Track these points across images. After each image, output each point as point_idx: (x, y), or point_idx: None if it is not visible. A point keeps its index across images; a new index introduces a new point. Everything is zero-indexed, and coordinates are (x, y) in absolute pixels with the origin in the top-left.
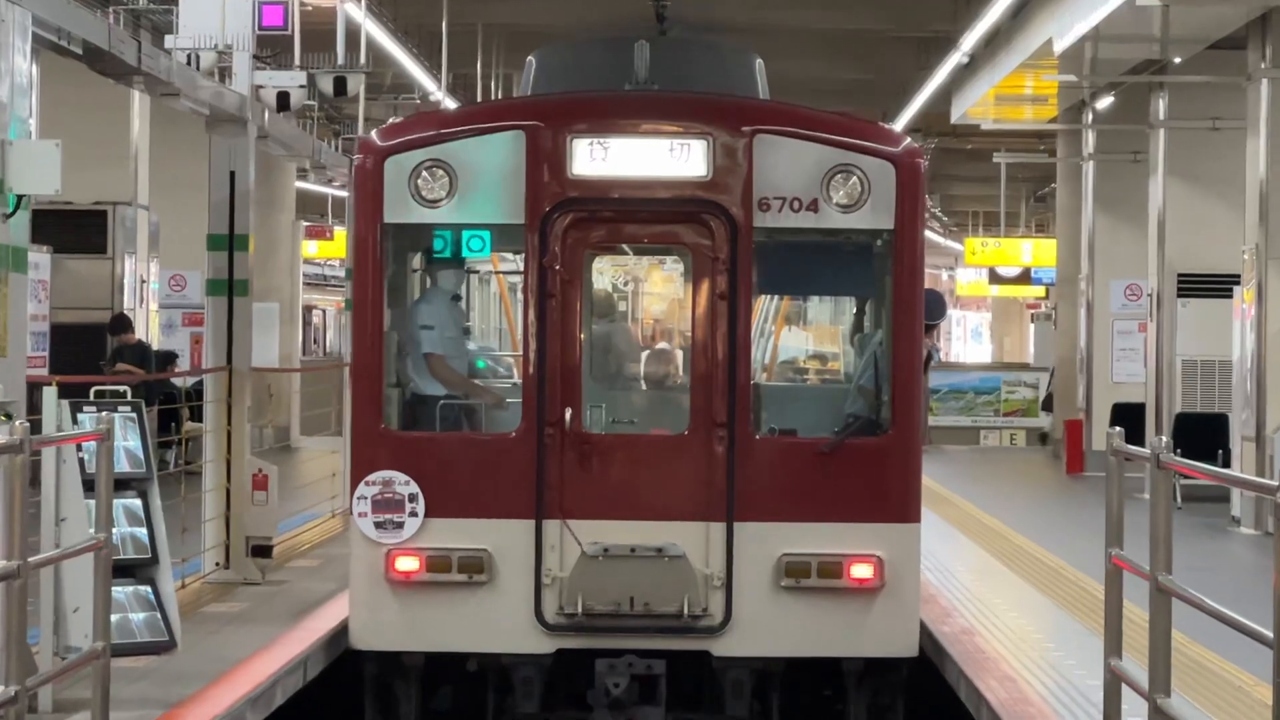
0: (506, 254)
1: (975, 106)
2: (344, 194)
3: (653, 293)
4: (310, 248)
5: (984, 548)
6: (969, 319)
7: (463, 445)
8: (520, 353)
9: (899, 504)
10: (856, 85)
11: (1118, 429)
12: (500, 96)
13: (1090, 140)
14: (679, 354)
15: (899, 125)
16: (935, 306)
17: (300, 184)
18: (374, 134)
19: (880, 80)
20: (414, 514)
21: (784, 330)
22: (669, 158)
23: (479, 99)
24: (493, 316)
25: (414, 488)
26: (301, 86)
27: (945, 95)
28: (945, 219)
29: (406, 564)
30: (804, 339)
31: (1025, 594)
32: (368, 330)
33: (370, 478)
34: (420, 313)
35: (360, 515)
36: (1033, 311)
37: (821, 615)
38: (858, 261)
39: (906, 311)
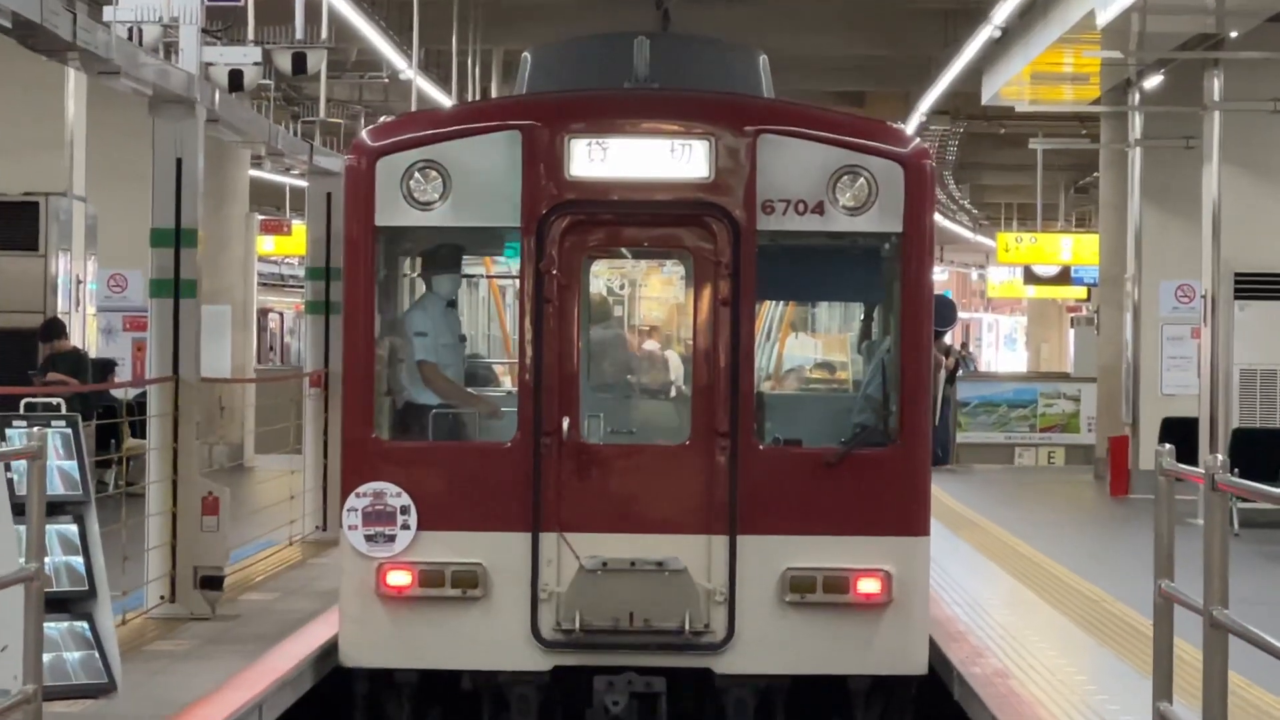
0: (501, 258)
1: (1008, 86)
2: (304, 184)
3: (652, 297)
4: (266, 244)
5: (1018, 578)
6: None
7: (457, 455)
8: (516, 360)
9: (907, 517)
10: (875, 62)
11: (1168, 446)
12: (478, 74)
13: (1137, 124)
14: (680, 361)
15: (923, 107)
16: (945, 313)
17: (255, 173)
18: (364, 134)
19: (901, 56)
20: (406, 527)
21: (788, 337)
22: (670, 159)
23: (454, 77)
24: (481, 322)
25: (406, 499)
26: (256, 64)
27: (975, 73)
28: (974, 212)
29: (398, 578)
30: (809, 346)
31: (1064, 630)
32: (359, 336)
33: (361, 489)
34: (413, 319)
35: (350, 528)
36: (1073, 315)
37: (827, 632)
38: (865, 266)
39: (915, 318)
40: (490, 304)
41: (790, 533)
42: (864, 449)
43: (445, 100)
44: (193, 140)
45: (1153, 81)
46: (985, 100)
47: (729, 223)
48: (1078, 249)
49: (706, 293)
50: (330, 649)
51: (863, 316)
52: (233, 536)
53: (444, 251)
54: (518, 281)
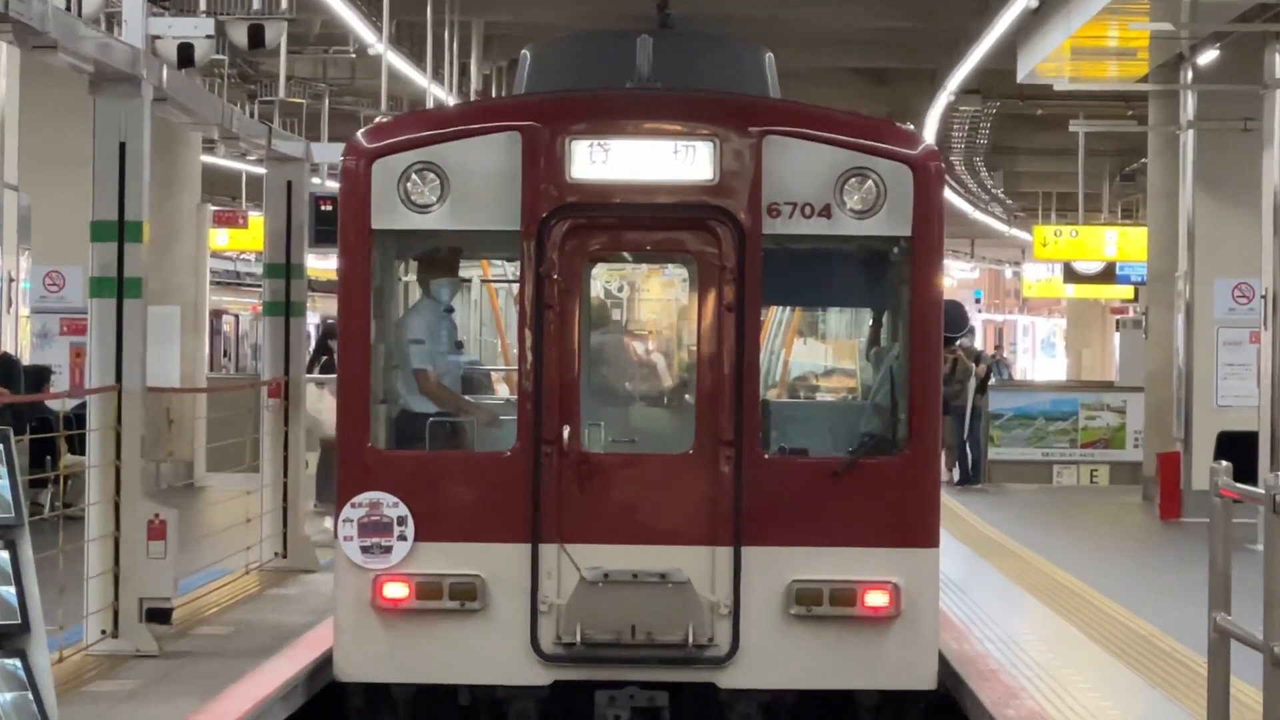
0: (500, 262)
1: (1047, 62)
2: (261, 171)
3: (655, 300)
4: (220, 238)
5: (1057, 611)
6: (1038, 326)
7: (455, 465)
8: (515, 367)
9: (916, 528)
10: (898, 35)
11: (1224, 463)
12: (455, 48)
13: (1190, 104)
14: (683, 368)
15: (951, 85)
16: (956, 318)
17: (207, 158)
18: (360, 135)
19: (929, 30)
20: (403, 538)
21: (795, 344)
22: (673, 160)
23: (429, 53)
24: (478, 328)
25: (403, 510)
26: (209, 37)
27: (1009, 48)
28: (1008, 202)
29: (395, 591)
30: (816, 353)
31: (1108, 668)
32: (355, 343)
33: (357, 499)
34: (410, 326)
35: (346, 539)
36: (1118, 317)
37: (834, 645)
38: (873, 271)
39: (925, 324)
40: (488, 309)
41: (796, 544)
42: (872, 458)
43: (419, 78)
44: (138, 122)
45: (1207, 57)
46: (1021, 78)
47: (734, 226)
48: (1123, 243)
49: (711, 298)
50: (323, 665)
51: (871, 322)
52: (182, 564)
53: (441, 256)
54: (517, 286)
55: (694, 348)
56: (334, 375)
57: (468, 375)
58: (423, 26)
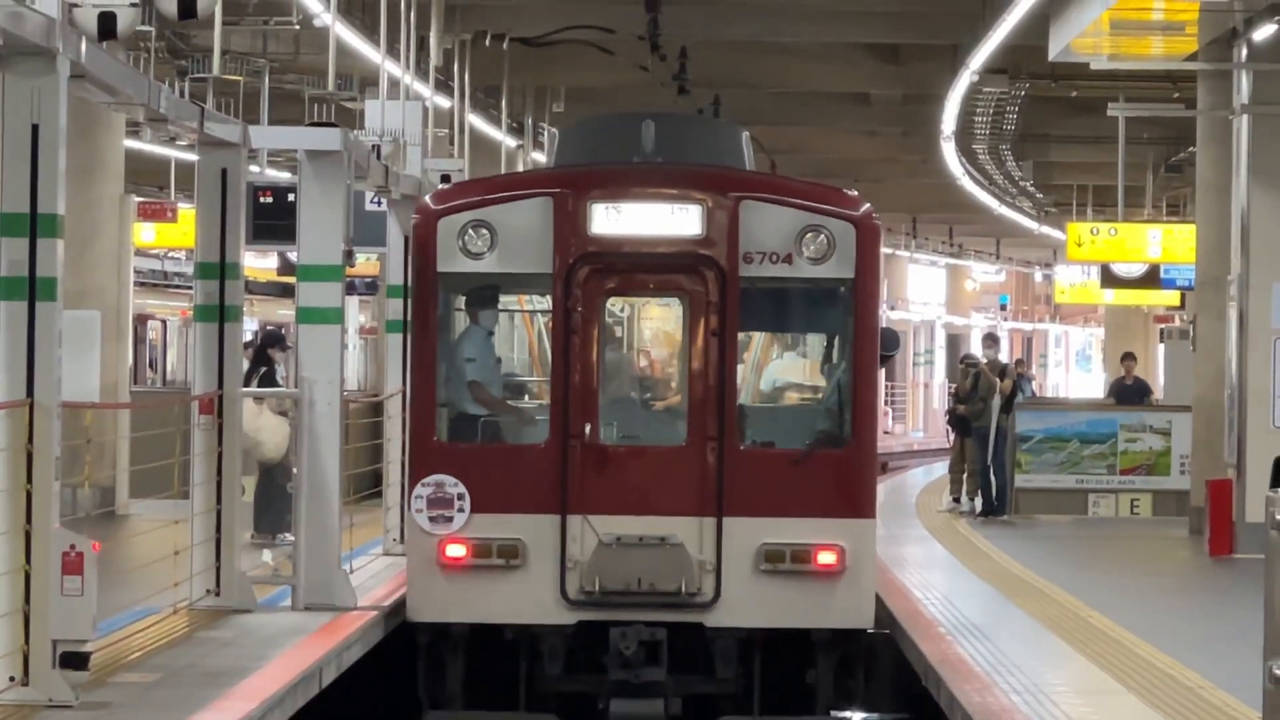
0: (539, 296)
1: (1083, 37)
2: (193, 158)
3: (656, 327)
4: (145, 233)
5: (1092, 659)
6: (1072, 336)
7: (500, 454)
8: (547, 378)
9: (858, 503)
10: (915, 7)
11: None
12: (413, 20)
13: (1244, 85)
14: (677, 380)
15: (974, 64)
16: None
17: (131, 143)
18: (428, 199)
19: (951, 1)
20: (461, 510)
21: (764, 361)
22: (670, 219)
23: (383, 24)
24: (515, 347)
25: (461, 488)
26: (133, 5)
27: (1040, 22)
28: (1039, 196)
29: (455, 551)
30: (781, 368)
31: None
32: (424, 360)
33: (425, 480)
34: (465, 348)
35: (417, 511)
36: (1162, 327)
37: (794, 593)
38: (824, 305)
39: (864, 346)
40: (523, 333)
41: (765, 515)
42: (823, 450)
43: (371, 53)
44: (53, 102)
45: (1264, 32)
46: (1053, 55)
47: (717, 270)
48: (1169, 243)
49: (699, 325)
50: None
51: (824, 344)
52: (102, 602)
53: (487, 293)
54: (549, 316)
55: (686, 364)
56: (275, 389)
57: (508, 383)
58: None
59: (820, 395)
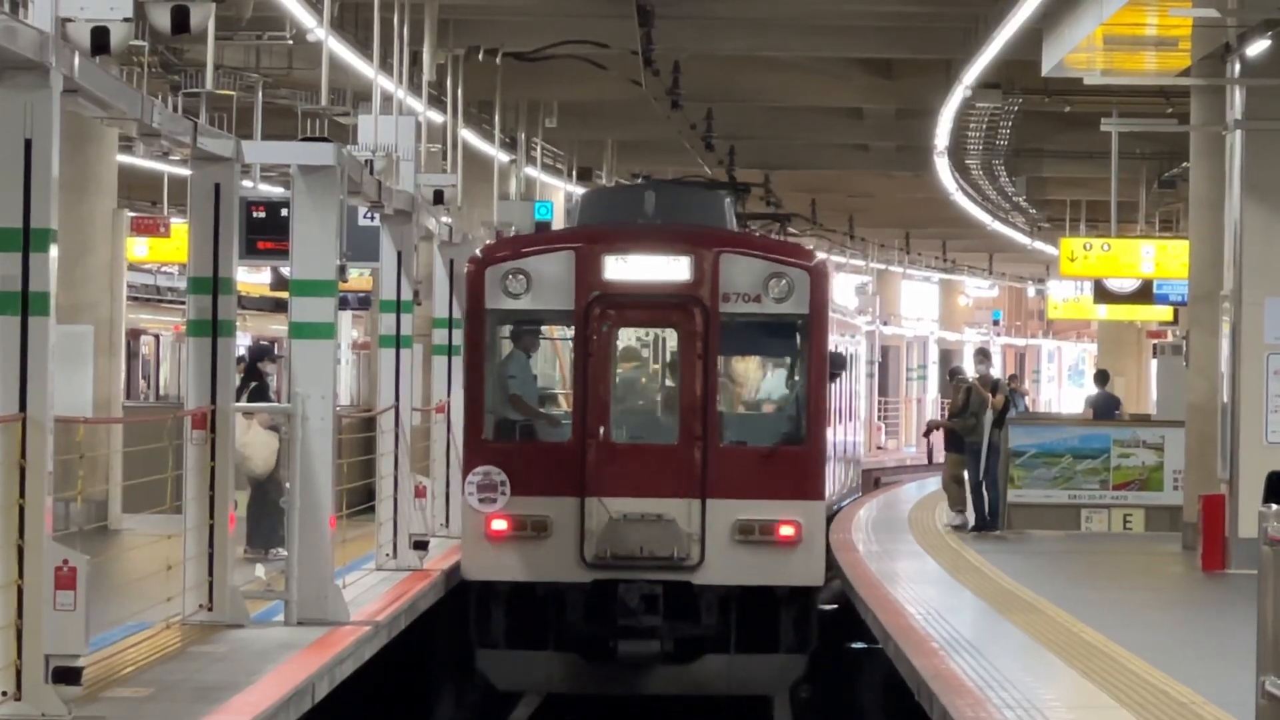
0: (564, 327)
1: (1076, 52)
2: (186, 172)
3: (655, 351)
4: (138, 248)
5: (1085, 674)
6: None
7: (534, 450)
8: (571, 390)
9: (811, 488)
10: (909, 22)
11: (1275, 507)
12: (406, 34)
13: (1238, 101)
14: (671, 392)
15: (967, 79)
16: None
17: (124, 158)
18: (478, 251)
19: (943, 16)
20: (503, 493)
21: (740, 378)
22: (666, 267)
23: (376, 40)
24: (545, 366)
25: (503, 476)
26: (127, 20)
27: (1033, 37)
28: (1032, 212)
29: (499, 525)
30: (752, 384)
31: None
32: (476, 377)
33: (476, 470)
34: (507, 367)
35: (469, 494)
36: (1155, 342)
37: (762, 559)
38: (785, 335)
39: (817, 367)
40: (552, 356)
41: (739, 498)
42: (785, 447)
43: (364, 67)
44: (46, 116)
45: (1258, 48)
46: (1046, 70)
47: (702, 308)
48: (1162, 259)
49: (688, 350)
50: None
51: (785, 366)
52: (95, 617)
53: (525, 325)
54: (573, 343)
55: (678, 380)
56: (265, 404)
57: (541, 395)
58: (369, 9)
59: (782, 405)
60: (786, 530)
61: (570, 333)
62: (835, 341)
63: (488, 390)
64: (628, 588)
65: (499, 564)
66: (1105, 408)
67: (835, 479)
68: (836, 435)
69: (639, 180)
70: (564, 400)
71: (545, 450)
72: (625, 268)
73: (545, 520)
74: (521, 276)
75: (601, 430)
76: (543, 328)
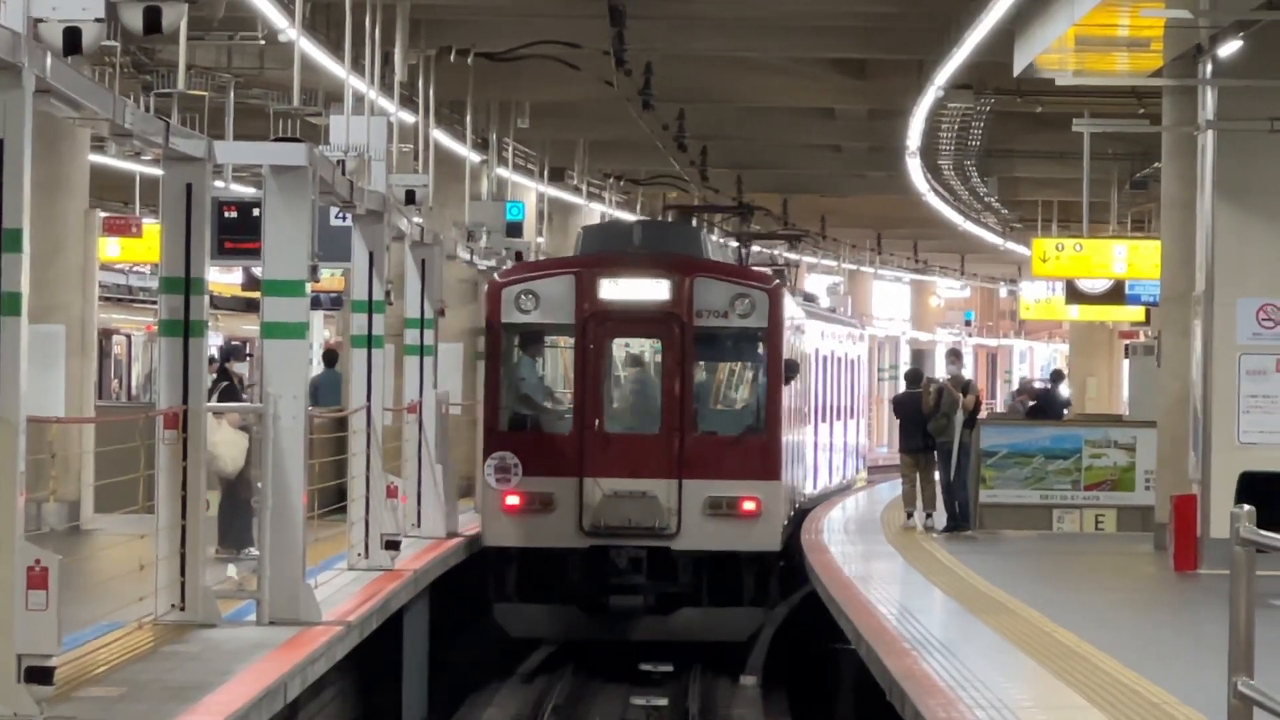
0: (566, 338)
1: (1048, 53)
2: (158, 172)
3: (642, 358)
4: (110, 248)
5: (1057, 675)
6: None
7: (541, 438)
8: (573, 389)
9: (770, 470)
10: (881, 23)
11: (1246, 508)
12: (378, 35)
13: (1210, 101)
14: (655, 391)
15: (939, 80)
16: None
17: (96, 158)
18: (496, 275)
19: (915, 17)
20: (516, 473)
21: (711, 379)
22: (650, 288)
23: (348, 41)
24: (552, 368)
25: (515, 460)
26: (99, 20)
27: (1005, 38)
28: (1004, 212)
29: (512, 500)
30: (722, 384)
31: None
32: (494, 379)
33: (493, 454)
34: (519, 370)
35: (488, 474)
36: (1127, 342)
37: (729, 529)
38: (749, 345)
39: (774, 370)
40: (557, 361)
41: (710, 478)
42: (748, 436)
43: (336, 68)
44: (18, 117)
45: (1230, 48)
46: (1018, 71)
47: (680, 322)
48: (1134, 259)
49: (668, 357)
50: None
51: (749, 370)
52: (67, 617)
53: (534, 336)
54: (574, 350)
55: (660, 381)
56: (238, 404)
57: (547, 394)
58: (340, 10)
59: (745, 401)
60: (749, 505)
61: (571, 343)
62: (835, 347)
63: (503, 389)
64: (618, 552)
65: (512, 533)
66: (1053, 406)
67: (832, 468)
68: (835, 430)
69: (610, 180)
70: (566, 398)
71: (550, 439)
72: (617, 289)
73: (550, 496)
74: (531, 296)
75: (597, 422)
76: (548, 338)
